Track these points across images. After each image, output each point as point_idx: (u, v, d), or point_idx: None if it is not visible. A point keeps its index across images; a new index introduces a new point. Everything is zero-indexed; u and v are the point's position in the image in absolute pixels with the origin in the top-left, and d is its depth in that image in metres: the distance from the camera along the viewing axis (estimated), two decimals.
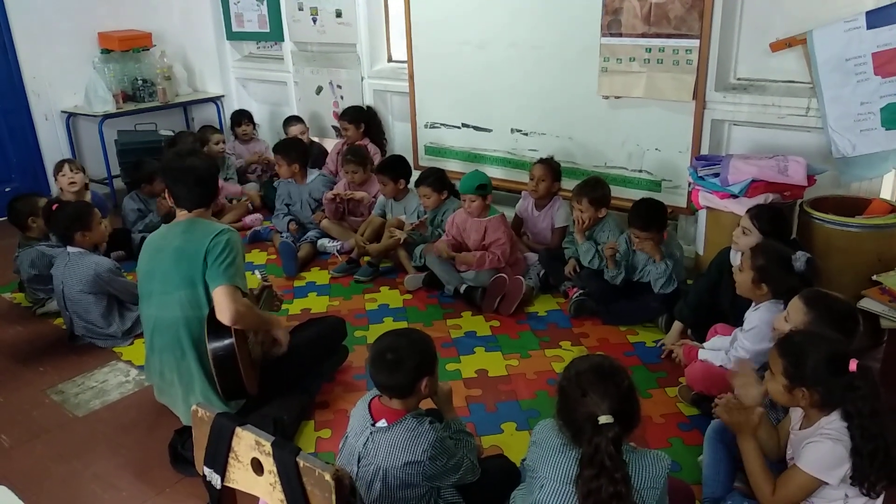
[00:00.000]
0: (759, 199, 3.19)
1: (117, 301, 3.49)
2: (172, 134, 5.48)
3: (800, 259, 2.50)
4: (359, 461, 1.98)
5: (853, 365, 1.88)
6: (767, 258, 2.53)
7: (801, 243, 3.23)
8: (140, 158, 4.76)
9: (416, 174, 4.40)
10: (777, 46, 3.48)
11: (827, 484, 1.90)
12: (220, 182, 3.59)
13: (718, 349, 2.73)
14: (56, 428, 2.85)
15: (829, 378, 1.89)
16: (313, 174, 4.70)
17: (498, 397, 2.93)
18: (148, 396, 2.90)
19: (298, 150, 4.66)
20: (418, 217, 4.18)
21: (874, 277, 2.91)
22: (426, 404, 2.17)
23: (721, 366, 2.65)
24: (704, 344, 2.85)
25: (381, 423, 1.98)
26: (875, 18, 3.13)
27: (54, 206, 3.55)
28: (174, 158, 2.79)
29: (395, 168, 4.32)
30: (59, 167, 4.37)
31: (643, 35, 3.77)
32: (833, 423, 1.92)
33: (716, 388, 2.62)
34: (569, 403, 1.73)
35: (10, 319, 3.83)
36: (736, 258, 2.99)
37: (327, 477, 1.53)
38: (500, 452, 2.50)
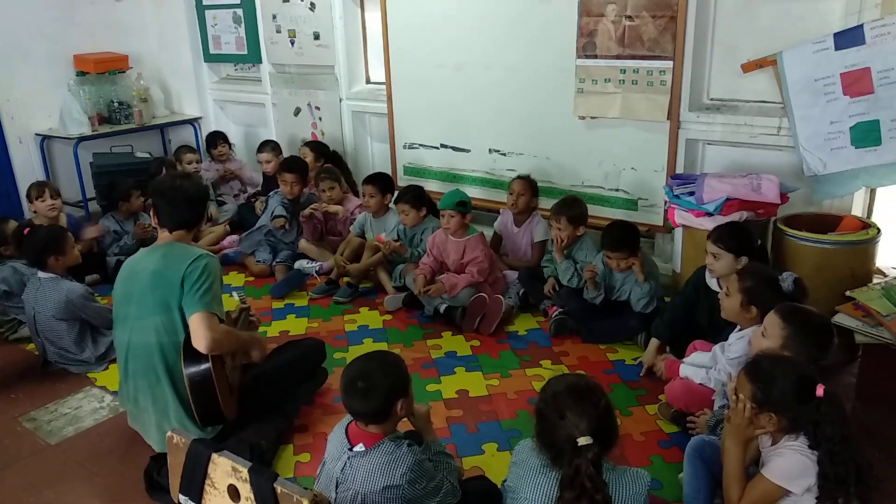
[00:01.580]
0: (734, 217, 3.24)
1: (90, 326, 3.43)
2: (149, 156, 5.45)
3: (787, 280, 2.51)
4: (337, 487, 1.95)
5: (820, 391, 1.91)
6: (755, 280, 2.54)
7: (767, 251, 3.29)
8: (113, 178, 4.72)
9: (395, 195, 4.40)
10: (748, 67, 3.54)
11: (791, 493, 1.93)
12: None
13: (699, 365, 2.74)
14: (29, 456, 2.79)
15: (797, 404, 1.92)
16: (304, 195, 4.69)
17: (479, 417, 2.92)
18: (123, 423, 2.84)
19: (305, 170, 4.66)
20: (398, 235, 4.18)
21: (847, 293, 2.96)
22: (405, 426, 2.15)
23: (701, 384, 2.66)
24: (685, 359, 2.86)
25: (359, 448, 1.96)
26: (843, 40, 3.20)
27: (26, 231, 3.49)
28: (165, 178, 2.79)
29: (384, 181, 4.33)
30: (38, 192, 4.30)
31: (618, 57, 3.83)
32: (798, 440, 1.95)
33: (695, 406, 2.65)
34: (547, 426, 1.72)
35: None
36: (712, 282, 3.02)
37: (305, 503, 1.52)
38: (481, 474, 2.48)
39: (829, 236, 3.16)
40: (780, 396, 1.93)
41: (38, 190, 4.32)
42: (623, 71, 3.83)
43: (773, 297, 2.48)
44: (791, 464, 1.94)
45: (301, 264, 4.46)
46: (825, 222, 3.32)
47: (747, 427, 2.00)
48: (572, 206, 3.68)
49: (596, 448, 1.64)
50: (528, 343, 3.54)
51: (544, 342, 3.54)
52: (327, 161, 5.04)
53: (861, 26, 3.16)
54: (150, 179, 4.56)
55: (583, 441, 1.64)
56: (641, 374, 3.16)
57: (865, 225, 3.25)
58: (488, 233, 4.19)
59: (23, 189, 5.25)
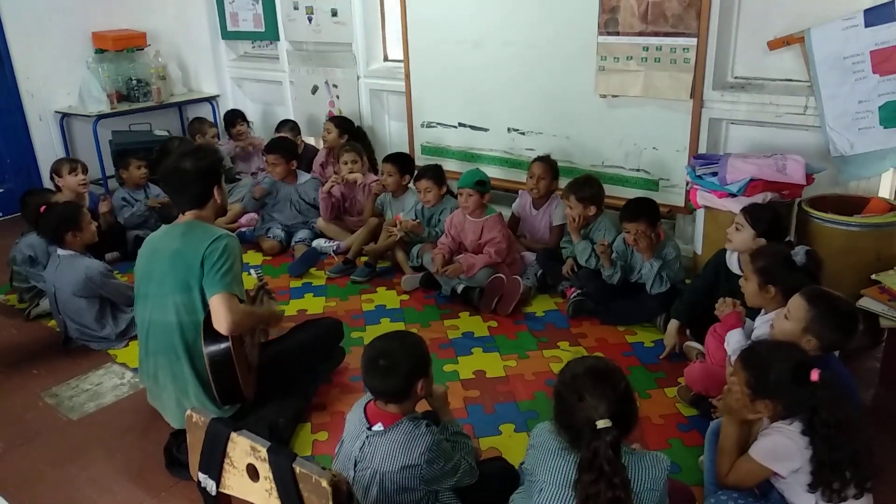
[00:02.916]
0: (758, 198, 3.18)
1: (110, 303, 3.45)
2: (168, 134, 5.46)
3: (799, 253, 2.47)
4: (355, 465, 1.96)
5: (815, 375, 1.90)
6: (767, 258, 2.51)
7: (794, 244, 3.22)
8: (120, 150, 4.75)
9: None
10: (775, 45, 3.46)
11: (777, 475, 1.95)
12: None
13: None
14: (50, 431, 2.83)
15: (792, 389, 1.91)
16: (305, 176, 4.69)
17: (496, 399, 2.91)
18: (143, 399, 2.87)
19: (291, 149, 4.66)
20: (415, 216, 4.16)
21: (873, 276, 2.91)
22: (422, 406, 2.15)
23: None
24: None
25: (378, 427, 1.96)
26: (873, 16, 3.12)
27: (42, 208, 3.51)
28: (168, 163, 2.74)
29: (404, 161, 4.31)
30: (72, 167, 4.30)
31: (640, 34, 3.76)
32: (792, 425, 1.94)
33: (715, 389, 2.61)
34: (566, 408, 1.71)
35: (2, 322, 3.80)
36: (731, 258, 2.97)
37: (324, 483, 1.52)
38: (498, 455, 2.48)
39: (855, 218, 3.09)
40: (774, 383, 1.93)
41: (70, 165, 4.33)
42: (646, 48, 3.76)
43: (787, 273, 2.45)
44: (773, 444, 1.95)
45: (319, 243, 4.46)
46: (851, 204, 3.26)
47: (741, 410, 2.01)
48: (583, 186, 3.63)
49: (615, 431, 1.62)
50: (546, 324, 3.52)
51: (562, 323, 3.52)
52: (351, 138, 5.03)
53: (892, 2, 3.06)
54: (159, 161, 4.58)
55: (601, 424, 1.62)
56: (662, 357, 3.14)
57: (893, 207, 3.17)
58: (506, 213, 4.16)
59: (43, 166, 5.31)
